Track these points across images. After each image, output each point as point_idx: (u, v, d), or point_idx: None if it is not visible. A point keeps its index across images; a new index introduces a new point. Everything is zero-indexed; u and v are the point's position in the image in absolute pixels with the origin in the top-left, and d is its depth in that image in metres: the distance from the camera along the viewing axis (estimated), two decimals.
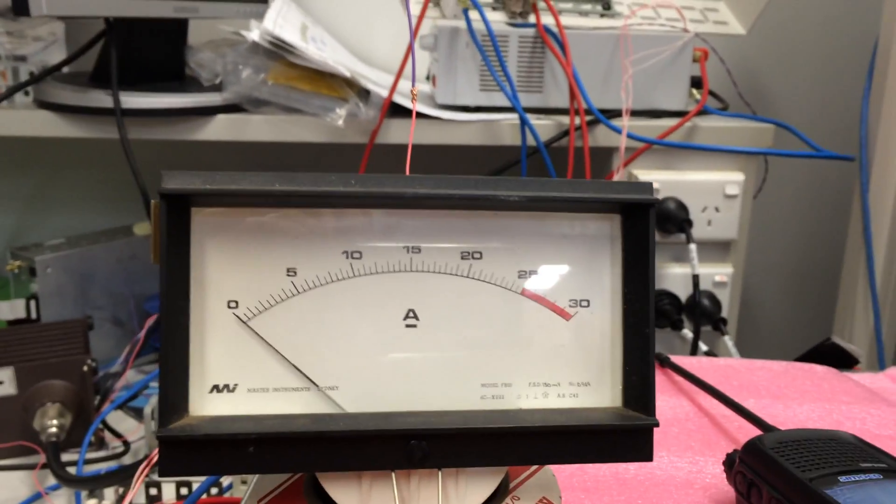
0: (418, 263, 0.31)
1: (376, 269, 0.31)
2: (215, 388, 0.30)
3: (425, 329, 0.31)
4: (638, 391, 0.31)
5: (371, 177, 0.29)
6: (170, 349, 0.28)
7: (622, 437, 0.30)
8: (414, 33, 0.93)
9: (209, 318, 0.29)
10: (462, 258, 0.31)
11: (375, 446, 0.29)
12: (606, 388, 0.32)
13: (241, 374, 0.30)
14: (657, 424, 0.30)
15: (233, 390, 0.30)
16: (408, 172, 0.32)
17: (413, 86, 0.33)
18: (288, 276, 0.30)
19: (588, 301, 0.32)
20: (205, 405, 0.29)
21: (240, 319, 0.30)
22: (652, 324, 0.30)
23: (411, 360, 0.31)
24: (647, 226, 0.30)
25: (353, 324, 0.30)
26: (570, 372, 0.32)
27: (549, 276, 0.32)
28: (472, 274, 0.31)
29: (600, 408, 0.32)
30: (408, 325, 0.31)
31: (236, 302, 0.30)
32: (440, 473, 0.30)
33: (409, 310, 0.31)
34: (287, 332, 0.30)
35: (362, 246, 0.30)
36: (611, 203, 0.31)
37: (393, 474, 0.30)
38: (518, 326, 0.32)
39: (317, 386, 0.30)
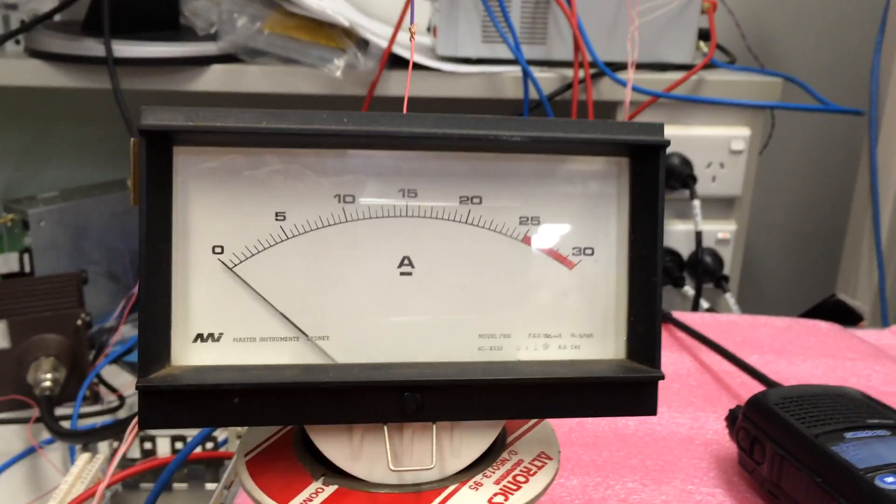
0: (414, 208, 0.29)
1: (370, 213, 0.29)
2: (199, 336, 0.28)
3: (421, 277, 0.29)
4: (643, 343, 0.29)
5: (365, 115, 0.27)
6: (151, 296, 0.27)
7: (626, 390, 0.29)
8: None
9: (193, 264, 0.28)
10: (461, 203, 0.29)
11: (367, 398, 0.28)
12: (610, 340, 0.31)
13: (226, 323, 0.28)
14: (662, 377, 0.29)
15: (218, 339, 0.28)
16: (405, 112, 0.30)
17: (412, 23, 0.31)
18: (276, 220, 0.28)
19: (592, 249, 0.30)
20: (188, 355, 0.28)
21: (225, 265, 0.28)
22: (660, 273, 0.29)
23: (406, 309, 0.29)
24: (658, 169, 0.28)
25: (345, 271, 0.29)
26: (573, 323, 0.30)
27: (552, 223, 0.30)
28: (471, 220, 0.30)
29: (603, 360, 0.30)
30: (402, 273, 0.29)
31: (222, 247, 0.28)
32: (434, 427, 0.29)
33: (404, 257, 0.29)
34: (275, 280, 0.28)
35: (355, 189, 0.29)
36: (619, 145, 0.29)
37: (385, 427, 0.29)
38: (518, 275, 0.30)
39: (306, 336, 0.29)
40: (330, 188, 0.29)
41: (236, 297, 0.28)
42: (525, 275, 0.30)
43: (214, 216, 0.28)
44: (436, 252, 0.29)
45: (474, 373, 0.29)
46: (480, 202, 0.30)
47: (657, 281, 0.29)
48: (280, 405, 0.27)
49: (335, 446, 0.29)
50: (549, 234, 0.30)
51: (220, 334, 0.28)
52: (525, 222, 0.30)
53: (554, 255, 0.30)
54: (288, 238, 0.29)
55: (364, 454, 0.29)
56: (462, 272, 0.30)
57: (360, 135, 0.28)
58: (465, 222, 0.30)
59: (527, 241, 0.30)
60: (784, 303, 1.31)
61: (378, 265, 0.29)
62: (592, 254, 0.30)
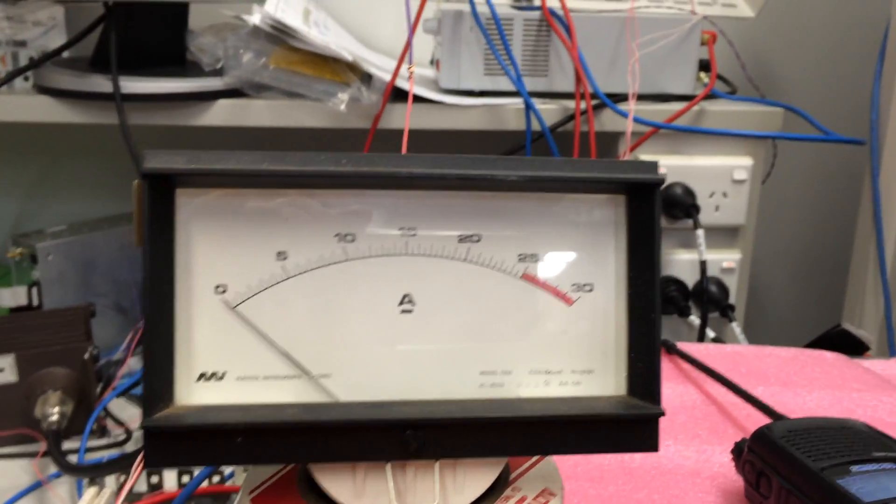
0: (414, 246, 0.30)
1: (370, 252, 0.29)
2: (202, 376, 0.28)
3: (422, 315, 0.30)
4: (644, 379, 0.30)
5: (364, 156, 0.28)
6: (154, 336, 0.27)
7: (627, 426, 0.29)
8: (416, 17, 0.91)
9: (196, 304, 0.28)
10: (460, 241, 0.30)
11: (370, 437, 0.28)
12: (610, 376, 0.31)
13: (229, 362, 0.29)
14: (663, 414, 0.29)
15: (221, 378, 0.29)
16: (404, 152, 0.30)
17: (410, 63, 0.32)
18: (278, 259, 0.29)
19: (591, 286, 0.31)
20: (191, 394, 0.28)
21: (228, 304, 0.29)
22: (658, 309, 0.29)
23: (407, 347, 0.30)
24: (653, 207, 0.29)
25: (347, 309, 0.29)
26: (573, 359, 0.31)
27: (550, 260, 0.30)
28: (471, 258, 0.30)
29: (604, 396, 0.30)
30: (403, 311, 0.30)
31: (224, 286, 0.29)
32: (437, 465, 0.29)
33: (405, 295, 0.30)
34: (277, 318, 0.29)
35: (356, 228, 0.29)
36: (615, 183, 0.29)
37: (388, 466, 0.29)
38: (518, 312, 0.30)
39: (308, 374, 0.29)
40: (330, 228, 0.29)
41: (239, 335, 0.29)
42: (525, 311, 0.30)
43: (216, 256, 0.28)
44: (436, 290, 0.30)
45: (476, 410, 0.29)
46: (479, 240, 0.30)
47: (656, 317, 0.29)
48: (283, 444, 0.27)
49: (339, 484, 0.29)
50: (548, 271, 0.30)
51: (224, 373, 0.29)
52: (524, 259, 0.30)
53: (553, 291, 0.30)
54: (289, 277, 0.29)
55: (367, 492, 0.29)
56: (462, 309, 0.30)
57: (359, 175, 0.28)
58: (465, 260, 0.30)
59: (526, 277, 0.30)
60: (790, 331, 1.30)
61: (379, 303, 0.29)
62: (591, 290, 0.31)
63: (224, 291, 0.28)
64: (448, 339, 0.30)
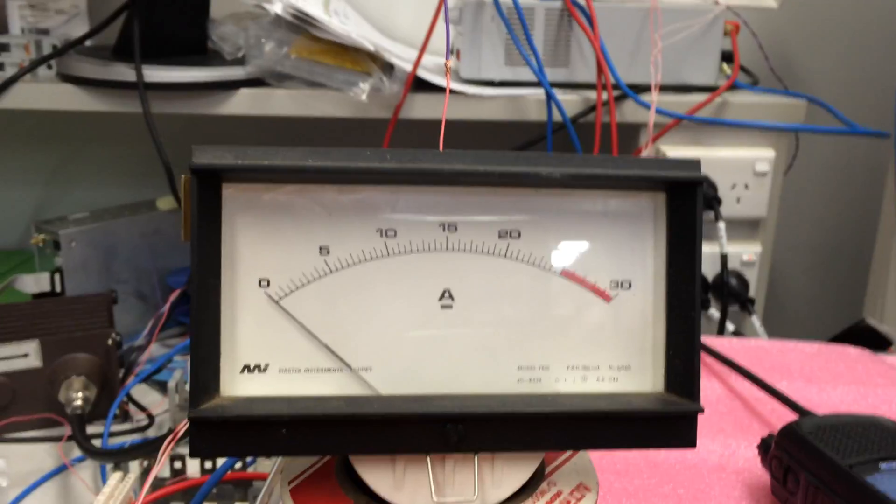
0: (454, 242, 0.30)
1: (411, 247, 0.30)
2: (246, 367, 0.29)
3: (461, 310, 0.30)
4: (681, 376, 0.30)
5: (407, 152, 0.28)
6: (201, 328, 0.27)
7: (664, 423, 0.29)
8: (438, 6, 0.91)
9: (240, 297, 0.29)
10: (500, 237, 0.30)
11: (411, 430, 0.28)
12: (648, 373, 0.31)
13: (272, 354, 0.29)
14: (702, 410, 0.29)
15: (264, 370, 0.29)
16: (441, 148, 0.30)
17: (447, 58, 0.32)
18: (321, 254, 0.29)
19: (630, 282, 0.31)
20: (236, 385, 0.29)
21: (271, 298, 0.29)
22: (698, 307, 0.29)
23: (446, 341, 0.30)
24: (695, 204, 0.29)
25: (387, 304, 0.30)
26: (610, 355, 0.31)
27: (589, 256, 0.31)
28: (510, 253, 0.30)
29: (642, 393, 0.31)
30: (443, 306, 0.30)
31: (268, 280, 0.29)
32: (476, 458, 0.29)
33: (445, 290, 0.30)
34: (319, 312, 0.29)
35: (397, 224, 0.29)
36: (656, 181, 0.30)
37: (428, 458, 0.29)
38: (556, 308, 0.31)
39: (350, 367, 0.29)
40: (372, 223, 0.29)
41: (281, 328, 0.29)
42: (563, 308, 0.31)
43: (261, 250, 0.29)
44: (475, 285, 0.30)
45: (514, 405, 0.29)
46: (519, 236, 0.30)
47: (696, 315, 0.29)
48: (326, 436, 0.28)
49: (378, 476, 0.29)
50: (586, 268, 0.31)
51: (267, 365, 0.29)
52: (563, 255, 0.30)
53: (592, 288, 0.31)
54: (332, 272, 0.29)
55: (407, 485, 0.29)
56: (501, 305, 0.30)
57: (403, 171, 0.28)
58: (505, 256, 0.30)
59: (565, 274, 0.30)
60: (810, 325, 1.30)
61: (419, 298, 0.30)
62: (630, 287, 0.31)
63: (268, 285, 0.29)
64: (487, 333, 0.30)
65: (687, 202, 0.29)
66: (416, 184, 0.29)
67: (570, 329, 0.31)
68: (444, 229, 0.30)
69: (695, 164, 0.29)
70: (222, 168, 0.27)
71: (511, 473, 0.30)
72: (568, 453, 0.33)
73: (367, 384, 0.29)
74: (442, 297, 0.30)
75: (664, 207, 0.30)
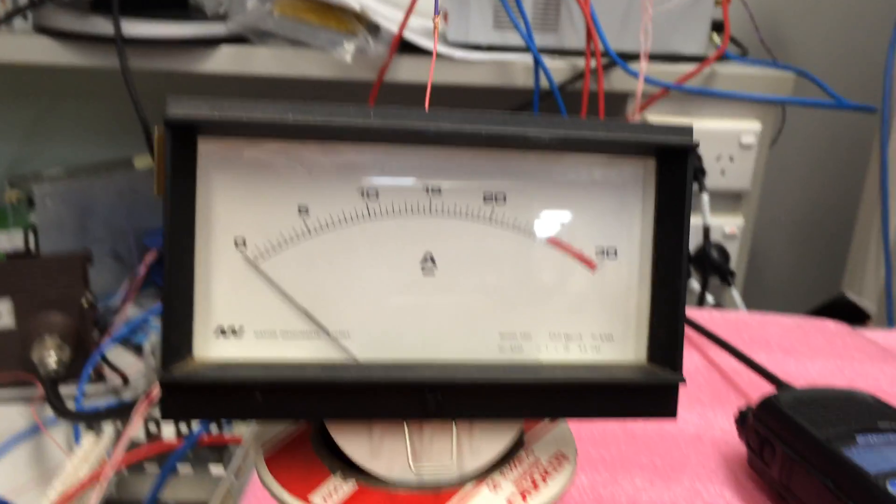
0: (438, 205, 0.29)
1: (393, 209, 0.29)
2: (220, 329, 0.28)
3: (443, 275, 0.29)
4: (665, 346, 0.29)
5: (392, 110, 0.27)
6: (173, 288, 0.26)
7: (646, 393, 0.29)
8: None
9: (215, 257, 0.28)
10: (484, 201, 0.29)
11: (388, 397, 0.28)
12: (630, 342, 0.30)
13: (247, 317, 0.28)
14: (683, 381, 0.29)
15: (239, 333, 0.28)
16: (427, 108, 0.29)
17: (435, 14, 0.31)
18: (299, 214, 0.28)
19: (615, 250, 0.30)
20: (209, 348, 0.28)
21: (247, 259, 0.28)
22: (685, 276, 0.28)
23: (427, 307, 0.29)
24: (685, 172, 0.28)
25: (368, 268, 0.29)
26: (593, 324, 0.30)
27: (576, 223, 0.30)
28: (495, 218, 0.29)
29: (623, 363, 0.30)
30: (425, 271, 0.29)
31: (244, 240, 0.28)
32: (454, 425, 0.29)
33: (427, 254, 0.29)
34: (297, 275, 0.28)
35: (379, 184, 0.29)
36: (647, 146, 0.29)
37: (405, 425, 0.28)
38: (540, 275, 0.30)
39: (327, 332, 0.29)
40: (354, 183, 0.28)
41: (258, 290, 0.28)
42: (547, 274, 0.30)
43: (237, 209, 0.28)
44: (458, 250, 0.29)
45: (495, 373, 0.28)
46: (504, 200, 0.29)
47: (682, 284, 0.28)
48: (302, 401, 0.27)
49: (355, 443, 0.29)
50: (572, 234, 0.30)
51: (242, 327, 0.28)
52: (548, 221, 0.30)
53: (577, 255, 0.30)
54: (310, 233, 0.28)
55: (384, 452, 0.29)
56: (484, 271, 0.29)
57: (387, 130, 0.27)
58: (489, 220, 0.29)
59: (550, 241, 0.30)
60: (789, 299, 1.31)
61: (400, 262, 0.29)
62: (615, 255, 0.30)
63: (244, 245, 0.28)
64: (468, 300, 0.29)
65: (677, 169, 0.29)
66: (399, 143, 0.28)
67: (554, 297, 0.30)
68: (427, 192, 0.29)
69: (687, 130, 0.28)
70: (198, 121, 0.26)
71: (489, 442, 0.30)
72: (547, 422, 0.33)
73: (346, 349, 0.29)
74: (424, 261, 0.29)
75: (653, 174, 0.30)
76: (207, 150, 0.27)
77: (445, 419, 0.28)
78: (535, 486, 0.29)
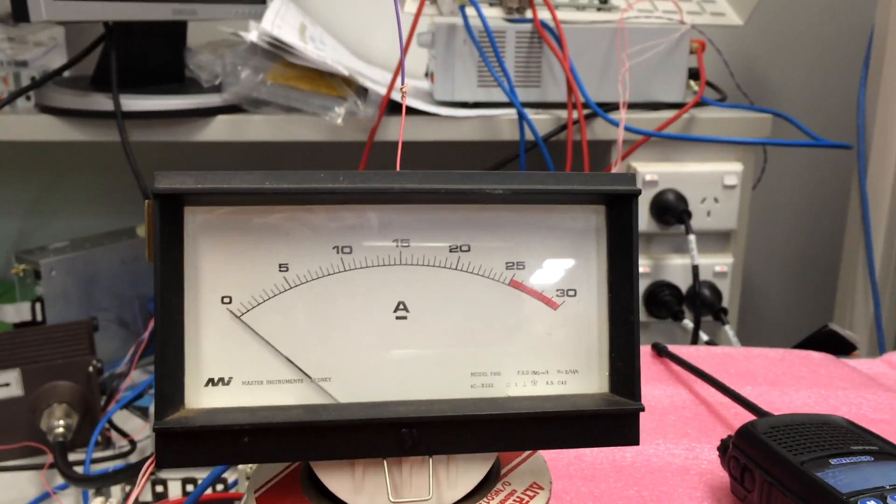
0: (407, 257, 0.31)
1: (366, 262, 0.31)
2: (210, 381, 0.30)
3: (415, 321, 0.32)
4: (624, 377, 0.31)
5: (359, 173, 0.30)
6: (165, 344, 0.29)
7: (609, 421, 0.31)
8: (410, 31, 0.93)
9: (203, 314, 0.30)
10: (451, 251, 0.32)
11: (367, 435, 0.30)
12: (594, 375, 0.33)
13: (235, 368, 0.30)
14: (642, 409, 0.31)
15: (227, 383, 0.30)
16: (398, 168, 0.32)
17: (403, 82, 0.34)
18: (280, 271, 0.31)
19: (575, 291, 0.32)
20: (200, 398, 0.30)
21: (233, 314, 0.30)
22: (636, 312, 0.31)
23: (402, 351, 0.31)
24: (631, 216, 0.31)
25: (345, 317, 0.31)
26: (559, 360, 0.32)
27: (536, 267, 0.32)
28: (461, 266, 0.32)
29: (588, 394, 0.32)
30: (398, 318, 0.31)
31: (230, 297, 0.30)
32: (431, 460, 0.31)
33: (400, 302, 0.31)
34: (280, 326, 0.31)
35: (353, 241, 0.31)
36: (595, 194, 0.31)
37: (385, 462, 0.31)
38: (507, 316, 0.32)
39: (310, 378, 0.31)
40: (329, 240, 0.31)
41: (244, 343, 0.31)
42: (513, 316, 0.32)
43: (222, 269, 0.30)
44: (429, 297, 0.32)
45: (466, 408, 0.31)
46: (469, 249, 0.32)
47: (635, 319, 0.31)
48: (286, 443, 0.29)
49: (339, 481, 0.31)
50: (533, 278, 0.32)
51: (230, 378, 0.30)
52: (511, 267, 0.32)
53: (539, 296, 0.32)
54: (291, 287, 0.31)
55: (366, 488, 0.31)
56: (454, 315, 0.32)
57: (355, 191, 0.30)
58: (456, 269, 0.32)
59: (513, 284, 0.32)
60: (784, 333, 1.32)
61: (375, 310, 0.31)
62: (575, 295, 0.32)
63: (230, 302, 0.30)
64: (440, 343, 0.32)
65: (625, 214, 0.31)
66: (368, 203, 0.31)
67: (520, 336, 0.32)
68: (397, 245, 0.31)
69: (630, 178, 0.31)
70: (183, 192, 0.29)
71: (466, 474, 0.32)
72: (523, 455, 0.35)
73: (327, 393, 0.31)
74: (397, 308, 0.31)
75: (605, 220, 0.32)
76: (193, 218, 0.30)
77: (421, 455, 0.31)
78: None
